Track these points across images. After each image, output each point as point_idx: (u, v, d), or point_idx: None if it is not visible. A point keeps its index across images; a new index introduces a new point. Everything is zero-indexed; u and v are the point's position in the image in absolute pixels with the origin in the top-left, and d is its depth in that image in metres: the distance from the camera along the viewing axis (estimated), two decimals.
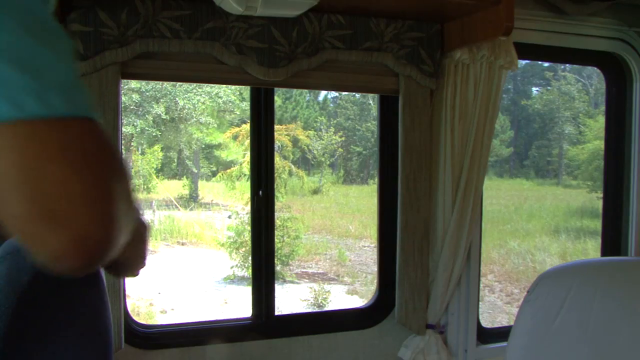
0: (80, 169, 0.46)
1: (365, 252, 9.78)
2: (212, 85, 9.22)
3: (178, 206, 10.74)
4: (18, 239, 0.47)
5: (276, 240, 2.88)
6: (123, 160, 0.52)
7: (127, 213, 0.51)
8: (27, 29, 0.47)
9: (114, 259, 0.52)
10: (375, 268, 2.55)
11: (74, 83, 0.49)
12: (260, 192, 2.13)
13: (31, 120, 0.44)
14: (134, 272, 0.76)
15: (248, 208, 7.70)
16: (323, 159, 12.22)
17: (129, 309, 2.06)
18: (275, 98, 2.21)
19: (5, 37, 0.45)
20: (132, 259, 0.71)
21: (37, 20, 0.48)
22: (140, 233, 0.69)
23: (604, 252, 2.65)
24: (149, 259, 0.87)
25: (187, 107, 10.17)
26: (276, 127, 2.94)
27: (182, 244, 9.57)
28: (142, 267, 0.76)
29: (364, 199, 11.90)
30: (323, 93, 13.80)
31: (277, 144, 6.69)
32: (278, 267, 8.04)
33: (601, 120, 11.13)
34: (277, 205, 4.12)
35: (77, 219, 0.45)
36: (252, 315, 2.19)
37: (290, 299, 7.49)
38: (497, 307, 8.02)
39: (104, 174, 0.48)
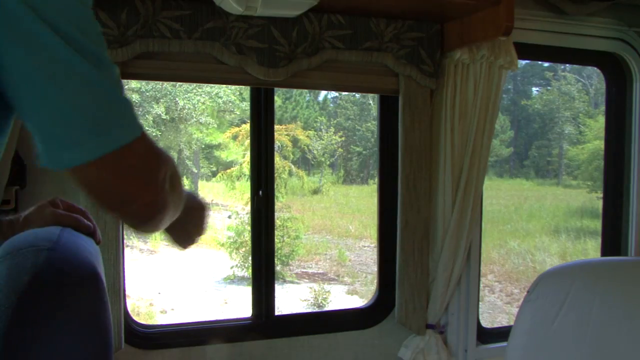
0: (145, 170, 0.72)
1: (365, 252, 9.77)
2: (212, 85, 9.21)
3: None
4: (108, 214, 0.80)
5: (276, 240, 2.88)
6: (165, 152, 0.76)
7: (174, 184, 0.77)
8: (106, 74, 0.66)
9: (173, 231, 0.93)
10: (375, 268, 2.55)
11: (132, 109, 0.69)
12: (260, 192, 2.14)
13: (115, 151, 0.66)
14: (185, 246, 1.04)
15: (248, 208, 7.70)
16: (323, 159, 12.20)
17: (129, 309, 2.07)
18: (275, 98, 2.22)
19: (95, 80, 0.64)
20: (183, 236, 1.02)
21: (102, 60, 0.66)
22: (195, 219, 0.99)
23: (604, 252, 2.65)
24: (150, 258, 0.93)
25: (187, 107, 10.15)
26: (276, 127, 2.94)
27: None
28: (191, 245, 1.04)
29: (364, 199, 11.89)
30: (323, 93, 13.79)
31: (277, 144, 6.69)
32: (278, 267, 8.03)
33: (601, 120, 11.13)
34: (277, 205, 4.13)
35: (144, 194, 0.73)
36: (252, 315, 2.19)
37: (290, 299, 7.49)
38: (497, 307, 8.02)
39: (157, 166, 0.73)
